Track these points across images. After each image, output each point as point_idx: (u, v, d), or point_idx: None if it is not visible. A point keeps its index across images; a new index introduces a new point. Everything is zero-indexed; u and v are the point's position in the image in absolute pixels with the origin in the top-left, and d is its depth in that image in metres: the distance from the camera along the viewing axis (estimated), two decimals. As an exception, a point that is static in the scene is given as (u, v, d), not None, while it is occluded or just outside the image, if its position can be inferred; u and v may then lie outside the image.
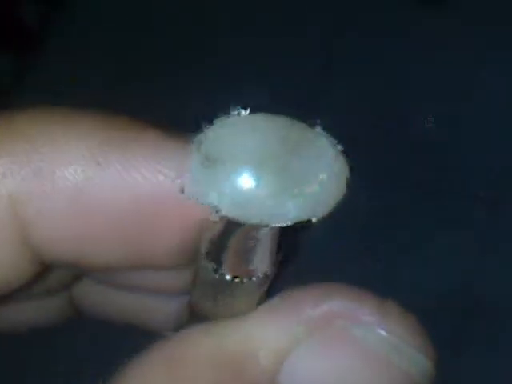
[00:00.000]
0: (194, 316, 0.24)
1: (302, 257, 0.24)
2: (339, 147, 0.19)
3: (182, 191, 0.19)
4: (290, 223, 0.18)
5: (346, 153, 0.19)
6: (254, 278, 0.21)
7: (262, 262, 0.21)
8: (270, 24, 1.29)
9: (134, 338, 0.26)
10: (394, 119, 1.19)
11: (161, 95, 1.24)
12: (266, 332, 0.21)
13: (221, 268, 0.21)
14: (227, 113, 0.19)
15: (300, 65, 1.23)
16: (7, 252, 0.21)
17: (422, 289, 1.03)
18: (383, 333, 0.21)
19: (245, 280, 0.21)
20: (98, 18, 1.36)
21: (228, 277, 0.21)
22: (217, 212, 0.18)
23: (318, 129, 0.19)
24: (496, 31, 1.24)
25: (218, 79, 1.19)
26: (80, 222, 0.21)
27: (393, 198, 1.09)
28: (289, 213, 0.18)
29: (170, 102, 1.14)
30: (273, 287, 0.25)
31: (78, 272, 0.25)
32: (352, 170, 0.19)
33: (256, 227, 0.19)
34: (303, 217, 0.18)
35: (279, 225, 0.18)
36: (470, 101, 1.21)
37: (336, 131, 0.20)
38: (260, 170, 0.18)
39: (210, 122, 0.19)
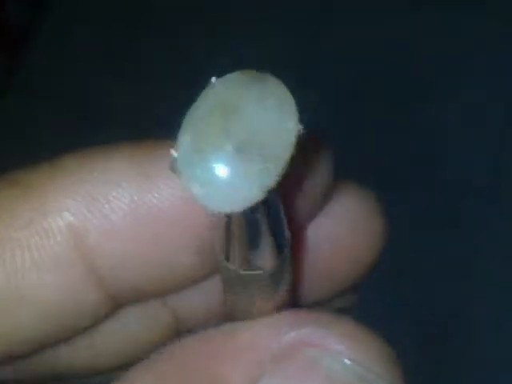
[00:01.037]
0: (228, 318, 0.24)
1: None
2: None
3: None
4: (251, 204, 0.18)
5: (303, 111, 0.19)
6: (262, 271, 0.21)
7: (266, 253, 0.21)
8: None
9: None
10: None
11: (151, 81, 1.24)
12: (235, 363, 0.21)
13: (234, 263, 0.21)
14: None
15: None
16: (74, 287, 0.22)
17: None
18: (349, 362, 0.21)
19: (255, 272, 0.21)
20: (84, 15, 1.36)
21: (240, 271, 0.21)
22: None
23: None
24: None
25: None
26: (141, 242, 0.22)
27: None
28: (249, 193, 0.18)
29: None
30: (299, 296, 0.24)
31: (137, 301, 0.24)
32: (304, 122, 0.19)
33: (233, 215, 0.19)
34: (261, 192, 0.18)
35: (242, 208, 0.18)
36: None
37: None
38: (219, 157, 0.18)
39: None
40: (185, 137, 0.18)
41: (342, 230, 0.24)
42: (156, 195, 0.21)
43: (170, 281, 0.23)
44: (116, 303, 0.23)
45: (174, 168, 0.18)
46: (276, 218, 0.20)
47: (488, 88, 1.22)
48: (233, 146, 0.18)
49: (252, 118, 0.18)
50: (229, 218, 0.20)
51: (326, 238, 0.24)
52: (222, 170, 0.18)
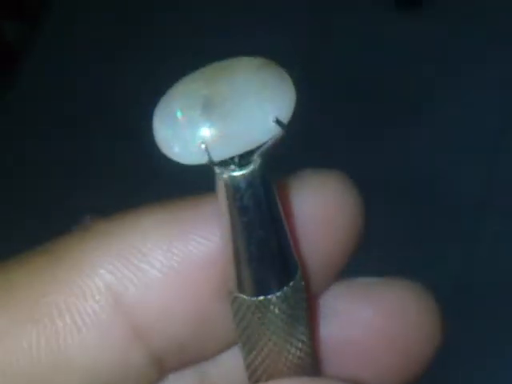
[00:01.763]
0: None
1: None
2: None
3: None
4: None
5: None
6: (278, 293, 0.21)
7: (275, 274, 0.21)
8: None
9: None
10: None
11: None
12: None
13: (246, 291, 0.21)
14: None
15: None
16: (117, 347, 0.21)
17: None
18: None
19: (267, 297, 0.21)
20: (80, 31, 1.37)
21: (252, 298, 0.21)
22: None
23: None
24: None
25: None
26: (179, 294, 0.21)
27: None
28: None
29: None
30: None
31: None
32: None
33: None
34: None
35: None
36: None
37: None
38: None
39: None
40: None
41: (396, 327, 0.24)
42: (191, 245, 0.21)
43: (211, 334, 0.22)
44: (161, 365, 0.22)
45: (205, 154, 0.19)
46: (282, 238, 0.20)
47: (484, 101, 1.22)
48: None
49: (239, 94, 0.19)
50: (234, 187, 0.20)
51: (377, 334, 0.24)
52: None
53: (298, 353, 0.22)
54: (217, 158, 0.19)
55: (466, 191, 1.16)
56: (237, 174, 0.19)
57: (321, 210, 0.22)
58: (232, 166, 0.20)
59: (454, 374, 0.97)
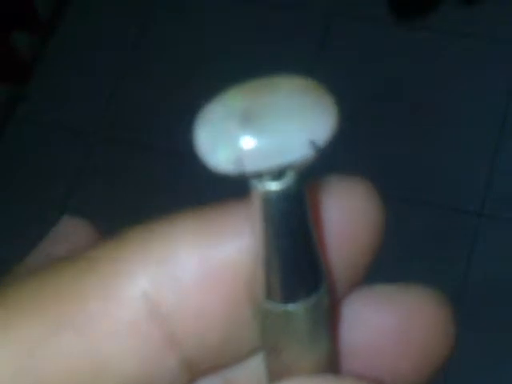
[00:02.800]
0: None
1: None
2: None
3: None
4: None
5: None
6: (305, 302, 0.21)
7: (304, 282, 0.21)
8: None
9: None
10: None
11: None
12: None
13: (274, 298, 0.21)
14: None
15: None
16: (153, 355, 0.21)
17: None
18: None
19: (295, 306, 0.21)
20: (87, 42, 1.37)
21: (281, 306, 0.21)
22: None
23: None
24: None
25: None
26: (214, 300, 0.21)
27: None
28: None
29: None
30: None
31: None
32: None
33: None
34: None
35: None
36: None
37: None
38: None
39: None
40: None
41: (416, 333, 0.24)
42: (223, 249, 0.21)
43: (241, 339, 0.22)
44: (194, 370, 0.22)
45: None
46: (312, 249, 0.21)
47: (483, 108, 1.23)
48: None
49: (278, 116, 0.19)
50: (265, 199, 0.20)
51: (397, 339, 0.24)
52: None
53: (320, 356, 0.22)
54: (251, 169, 0.19)
55: (467, 195, 1.17)
56: (271, 186, 0.20)
57: (347, 216, 0.22)
58: (267, 178, 0.20)
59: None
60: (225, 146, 0.19)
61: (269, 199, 0.20)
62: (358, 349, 0.24)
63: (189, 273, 0.21)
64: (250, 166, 0.19)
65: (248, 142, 0.19)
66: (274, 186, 0.20)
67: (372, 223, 0.23)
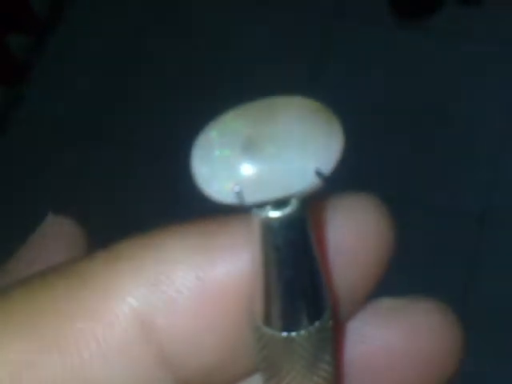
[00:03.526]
0: None
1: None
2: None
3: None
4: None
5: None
6: (306, 330, 0.20)
7: (305, 310, 0.20)
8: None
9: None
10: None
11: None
12: None
13: (273, 324, 0.20)
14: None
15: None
16: (144, 377, 0.20)
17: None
18: None
19: (295, 333, 0.20)
20: (83, 44, 1.37)
21: (281, 333, 0.20)
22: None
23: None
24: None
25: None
26: (209, 321, 0.21)
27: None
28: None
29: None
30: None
31: None
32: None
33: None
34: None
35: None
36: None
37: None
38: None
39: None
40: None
41: (423, 349, 0.23)
42: (220, 270, 0.20)
43: (236, 361, 0.22)
44: None
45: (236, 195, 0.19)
46: (315, 277, 0.20)
47: (483, 116, 1.23)
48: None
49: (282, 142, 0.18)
50: (266, 228, 0.19)
51: (403, 357, 0.23)
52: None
53: (323, 380, 0.21)
54: (251, 199, 0.18)
55: (468, 201, 1.17)
56: (273, 215, 0.19)
57: (355, 236, 0.22)
58: (269, 207, 0.19)
59: None
60: (224, 176, 0.18)
61: (270, 227, 0.19)
62: (366, 364, 0.23)
63: (184, 293, 0.20)
64: (250, 198, 0.18)
65: (248, 173, 0.18)
66: (275, 213, 0.19)
67: (381, 241, 0.22)
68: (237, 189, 0.18)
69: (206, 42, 1.33)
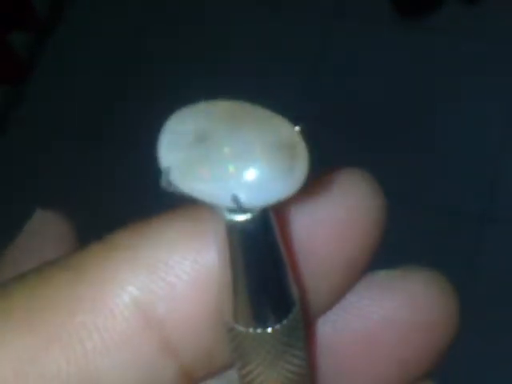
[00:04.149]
0: None
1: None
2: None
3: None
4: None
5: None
6: (274, 327, 0.20)
7: (273, 308, 0.20)
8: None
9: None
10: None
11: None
12: None
13: (242, 322, 0.20)
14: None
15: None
16: (148, 364, 0.20)
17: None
18: None
19: (264, 331, 0.20)
20: (85, 42, 1.38)
21: (249, 330, 0.20)
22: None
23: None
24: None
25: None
26: (208, 305, 0.21)
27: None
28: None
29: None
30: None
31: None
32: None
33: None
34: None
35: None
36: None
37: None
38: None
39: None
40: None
41: (416, 319, 0.23)
42: (216, 253, 0.21)
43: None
44: (190, 377, 0.22)
45: (166, 181, 0.19)
46: (279, 264, 0.20)
47: (484, 112, 1.23)
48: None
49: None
50: (231, 228, 0.19)
51: (396, 326, 0.23)
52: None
53: (291, 373, 0.22)
54: (182, 187, 0.19)
55: (468, 201, 1.17)
56: (234, 217, 0.19)
57: (346, 212, 0.22)
58: (230, 208, 0.19)
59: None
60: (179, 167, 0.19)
61: (232, 229, 0.19)
62: (362, 338, 0.23)
63: (182, 278, 0.20)
64: (180, 185, 0.19)
65: (178, 167, 0.19)
66: (237, 216, 0.19)
67: (372, 218, 0.22)
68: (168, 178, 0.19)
69: (205, 42, 1.33)
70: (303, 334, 0.21)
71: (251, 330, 0.20)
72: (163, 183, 0.19)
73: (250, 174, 0.18)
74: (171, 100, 1.26)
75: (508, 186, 1.17)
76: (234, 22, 1.34)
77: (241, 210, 0.18)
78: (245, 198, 0.18)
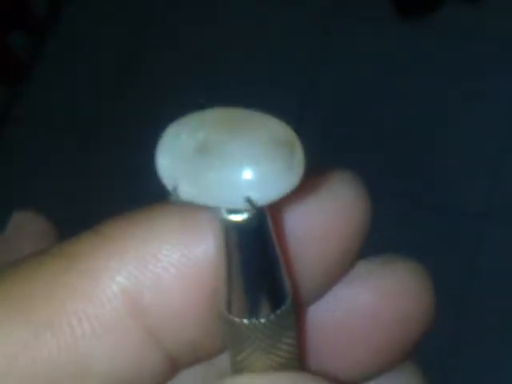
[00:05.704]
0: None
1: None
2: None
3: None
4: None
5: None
6: (267, 318, 0.21)
7: (266, 299, 0.21)
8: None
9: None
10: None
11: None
12: None
13: (236, 313, 0.21)
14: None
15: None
16: (134, 352, 0.21)
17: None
18: None
19: (257, 321, 0.21)
20: (84, 42, 1.38)
21: (243, 320, 0.21)
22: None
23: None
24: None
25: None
26: (195, 297, 0.22)
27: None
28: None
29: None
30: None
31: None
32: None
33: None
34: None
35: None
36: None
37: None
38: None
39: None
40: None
41: (393, 310, 0.24)
42: (203, 247, 0.21)
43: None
44: (175, 364, 0.23)
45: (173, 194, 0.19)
46: (273, 260, 0.21)
47: (484, 114, 1.23)
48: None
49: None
50: (226, 231, 0.20)
51: (374, 317, 0.24)
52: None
53: (283, 359, 0.22)
54: (187, 197, 0.19)
55: (468, 201, 1.17)
56: (230, 217, 0.20)
57: (332, 214, 0.22)
58: (226, 209, 0.19)
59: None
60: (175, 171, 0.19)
61: (228, 228, 0.20)
62: (341, 327, 0.24)
63: (170, 271, 0.21)
64: (185, 196, 0.19)
65: (187, 177, 0.19)
66: (233, 216, 0.20)
67: (358, 217, 0.22)
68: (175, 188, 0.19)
69: (206, 42, 1.33)
70: (295, 324, 0.22)
71: (245, 320, 0.21)
72: (173, 199, 0.19)
73: (256, 175, 0.19)
74: (171, 100, 1.27)
75: (508, 186, 1.17)
76: (234, 22, 1.34)
77: (254, 209, 0.19)
78: (256, 197, 0.19)
